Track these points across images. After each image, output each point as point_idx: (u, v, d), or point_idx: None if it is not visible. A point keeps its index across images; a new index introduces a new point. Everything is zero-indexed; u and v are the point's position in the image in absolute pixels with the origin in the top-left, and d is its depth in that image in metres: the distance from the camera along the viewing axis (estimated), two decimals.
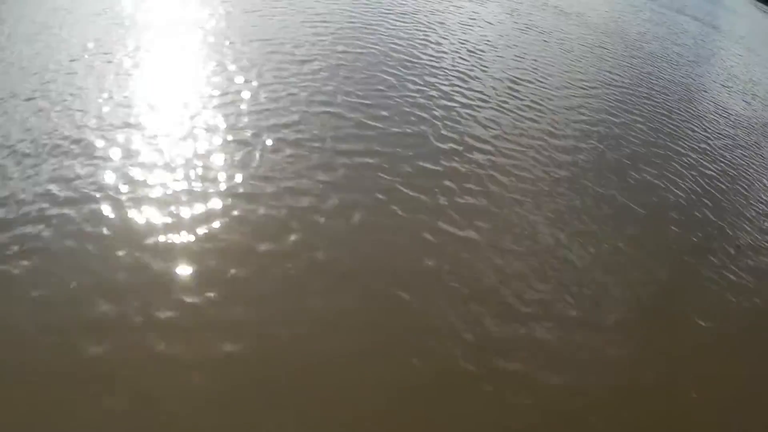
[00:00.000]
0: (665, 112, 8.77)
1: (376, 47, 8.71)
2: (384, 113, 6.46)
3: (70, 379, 3.13)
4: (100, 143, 5.26)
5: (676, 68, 11.91)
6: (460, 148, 6.01)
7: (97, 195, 4.53)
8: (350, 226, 4.58)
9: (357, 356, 3.49)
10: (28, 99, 6.00)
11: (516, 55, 9.81)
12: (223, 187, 4.79)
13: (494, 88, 8.01)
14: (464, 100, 7.35)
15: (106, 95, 6.19)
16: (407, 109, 6.70)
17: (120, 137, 5.40)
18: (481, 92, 7.74)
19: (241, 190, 4.77)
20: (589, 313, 4.18)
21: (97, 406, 3.00)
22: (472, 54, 9.34)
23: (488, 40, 10.34)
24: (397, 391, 3.33)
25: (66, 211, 4.33)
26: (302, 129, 5.84)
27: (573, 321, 4.08)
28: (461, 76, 8.22)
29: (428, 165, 5.55)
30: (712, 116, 9.32)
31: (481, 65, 8.89)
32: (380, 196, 4.98)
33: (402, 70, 8.00)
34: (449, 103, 7.12)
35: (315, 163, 5.27)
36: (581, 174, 6.10)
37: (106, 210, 4.38)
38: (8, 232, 4.05)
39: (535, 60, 9.72)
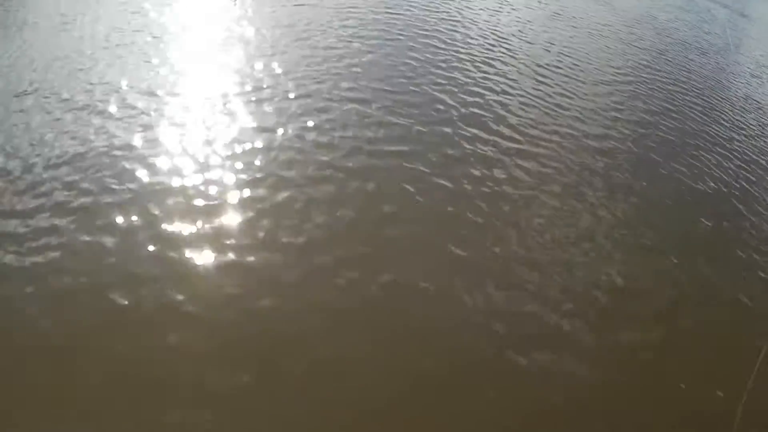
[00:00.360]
0: (695, 103, 8.62)
1: (403, 34, 8.66)
2: (412, 109, 6.42)
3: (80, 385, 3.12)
4: (122, 137, 5.20)
5: (705, 56, 11.68)
6: (489, 144, 5.99)
7: (118, 191, 4.53)
8: (371, 228, 4.54)
9: (366, 355, 3.49)
10: (47, 95, 5.89)
11: (544, 42, 9.70)
12: (242, 183, 4.78)
13: (522, 77, 7.94)
14: (492, 89, 7.31)
15: (128, 88, 6.13)
16: (435, 103, 6.67)
17: (142, 131, 5.38)
18: (509, 80, 7.68)
19: (261, 190, 4.74)
20: (607, 321, 4.17)
21: (105, 403, 3.02)
22: (500, 41, 9.25)
23: (516, 27, 10.22)
24: (403, 391, 3.32)
25: (85, 204, 4.38)
26: (329, 123, 5.83)
27: (591, 325, 4.08)
28: (489, 63, 8.14)
29: (458, 165, 5.52)
30: (741, 107, 9.17)
31: (509, 52, 8.81)
32: (406, 197, 4.95)
33: (429, 58, 7.95)
34: (476, 96, 7.05)
35: (340, 160, 5.26)
36: (610, 167, 6.06)
37: (126, 208, 4.37)
38: (26, 227, 4.09)
39: (565, 47, 9.60)
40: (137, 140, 5.21)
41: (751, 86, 10.65)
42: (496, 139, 6.13)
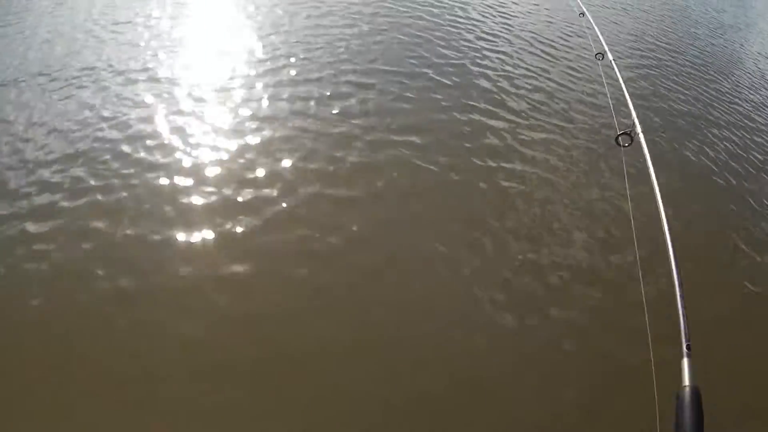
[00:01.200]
0: (705, 82, 8.36)
1: (415, 14, 8.46)
2: (423, 92, 6.12)
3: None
4: (126, 121, 5.02)
5: (716, 34, 11.48)
6: (501, 130, 5.59)
7: (125, 177, 4.35)
8: (384, 218, 4.21)
9: (367, 347, 3.25)
10: (51, 78, 5.77)
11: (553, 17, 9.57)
12: (246, 166, 4.57)
13: (525, 52, 7.78)
14: (507, 68, 7.07)
15: (136, 68, 6.03)
16: (447, 81, 6.43)
17: (147, 106, 5.32)
18: (524, 62, 7.43)
19: (268, 174, 4.50)
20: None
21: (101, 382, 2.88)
22: (512, 20, 9.14)
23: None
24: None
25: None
26: (337, 105, 5.60)
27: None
28: (504, 45, 7.90)
29: (473, 155, 5.12)
30: (754, 86, 8.95)
31: (516, 29, 8.67)
32: (415, 184, 4.62)
33: (438, 36, 7.74)
34: (492, 77, 6.74)
35: (348, 147, 4.96)
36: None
37: (134, 190, 4.23)
38: (33, 209, 3.97)
39: (573, 25, 9.44)
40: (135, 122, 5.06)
41: (760, 64, 10.39)
42: (507, 123, 5.79)
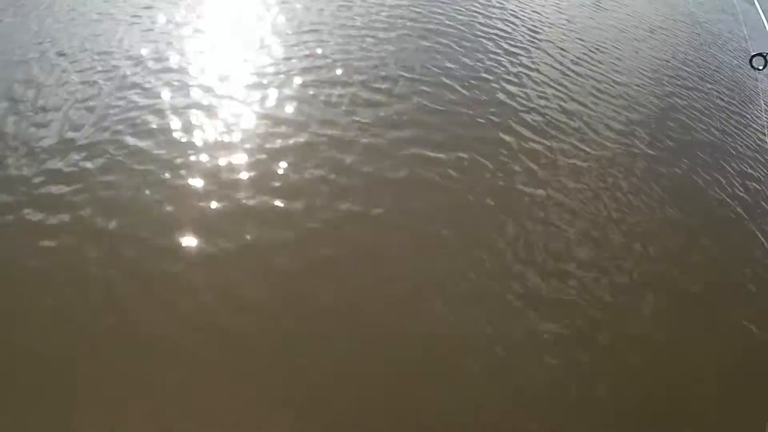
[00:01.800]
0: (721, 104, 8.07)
1: (441, 20, 8.27)
2: (447, 104, 6.17)
3: None
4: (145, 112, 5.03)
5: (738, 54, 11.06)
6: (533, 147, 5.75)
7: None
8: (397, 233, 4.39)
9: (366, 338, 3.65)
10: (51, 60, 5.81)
11: (588, 37, 9.26)
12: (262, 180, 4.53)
13: (562, 74, 7.60)
14: (524, 82, 6.99)
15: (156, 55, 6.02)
16: (467, 93, 6.38)
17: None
18: (541, 73, 7.35)
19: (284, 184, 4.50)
20: None
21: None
22: (535, 32, 8.85)
23: (555, 18, 9.76)
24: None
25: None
26: (362, 113, 5.52)
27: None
28: (523, 56, 7.78)
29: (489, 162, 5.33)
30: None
31: (545, 44, 8.42)
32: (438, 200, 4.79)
33: (462, 44, 7.61)
34: (517, 92, 6.70)
35: (367, 163, 4.96)
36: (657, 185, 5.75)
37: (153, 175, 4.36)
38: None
39: (603, 42, 9.15)
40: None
41: None
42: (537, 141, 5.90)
